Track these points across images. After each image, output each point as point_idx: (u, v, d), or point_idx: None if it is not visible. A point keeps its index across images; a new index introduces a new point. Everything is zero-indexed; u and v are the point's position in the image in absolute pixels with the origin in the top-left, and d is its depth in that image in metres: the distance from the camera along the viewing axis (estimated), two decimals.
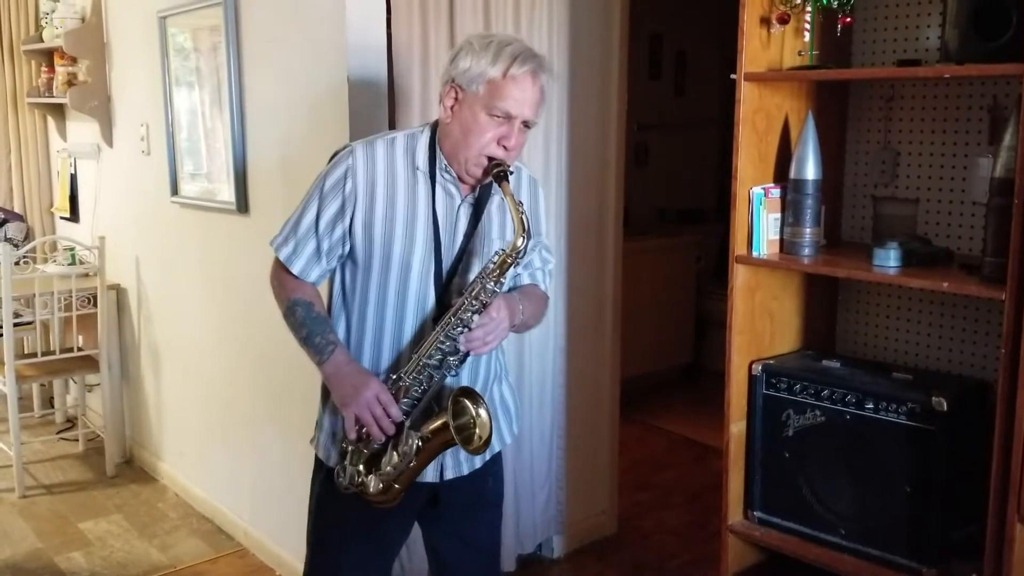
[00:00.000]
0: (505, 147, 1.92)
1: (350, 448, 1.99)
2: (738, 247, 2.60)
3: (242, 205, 3.42)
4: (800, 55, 2.62)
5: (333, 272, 2.06)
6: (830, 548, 2.54)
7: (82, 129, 4.74)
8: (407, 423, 1.95)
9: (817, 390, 2.54)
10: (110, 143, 4.50)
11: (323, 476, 2.11)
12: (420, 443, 1.92)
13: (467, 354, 1.95)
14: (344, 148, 2.03)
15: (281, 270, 2.07)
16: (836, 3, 2.52)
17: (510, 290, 2.10)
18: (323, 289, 2.11)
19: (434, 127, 2.03)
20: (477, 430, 1.95)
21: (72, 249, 4.64)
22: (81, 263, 4.61)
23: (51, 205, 5.28)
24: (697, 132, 6.55)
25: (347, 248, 2.01)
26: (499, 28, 3.14)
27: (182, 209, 3.91)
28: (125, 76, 4.34)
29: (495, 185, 1.99)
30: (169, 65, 3.85)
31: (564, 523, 3.64)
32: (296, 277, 2.03)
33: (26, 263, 4.60)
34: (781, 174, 2.64)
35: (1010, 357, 2.09)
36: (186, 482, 4.21)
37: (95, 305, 4.45)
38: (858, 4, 2.62)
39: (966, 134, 2.61)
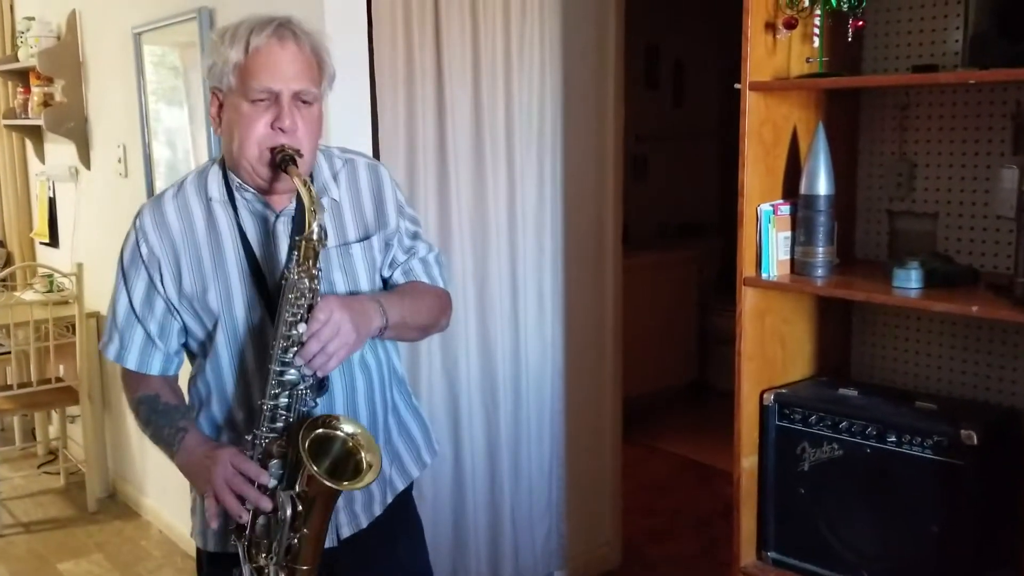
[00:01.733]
0: (282, 129, 1.65)
1: (240, 544, 1.67)
2: (746, 268, 2.42)
3: None
4: (808, 62, 2.45)
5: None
6: None
7: (59, 151, 4.59)
8: (280, 486, 1.63)
9: (834, 421, 2.36)
10: (88, 165, 4.35)
11: (206, 567, 1.86)
12: (296, 502, 1.60)
13: (317, 378, 1.63)
14: (136, 214, 1.79)
15: (123, 371, 1.83)
16: (846, 5, 2.35)
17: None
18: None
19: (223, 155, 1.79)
20: (363, 454, 1.65)
21: (50, 276, 4.47)
22: (59, 290, 4.45)
23: (31, 230, 5.12)
24: (697, 143, 6.41)
25: (180, 322, 1.77)
26: (487, 39, 2.99)
27: None
28: (102, 96, 4.18)
29: (329, 170, 1.80)
30: (145, 84, 3.70)
31: (566, 557, 3.48)
32: (137, 373, 1.79)
33: (3, 290, 4.44)
34: (790, 189, 2.47)
35: None
36: (171, 519, 4.03)
37: (74, 334, 4.28)
38: (868, 7, 2.45)
39: (988, 143, 2.43)
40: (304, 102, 1.69)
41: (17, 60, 4.61)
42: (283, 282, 1.61)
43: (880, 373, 2.67)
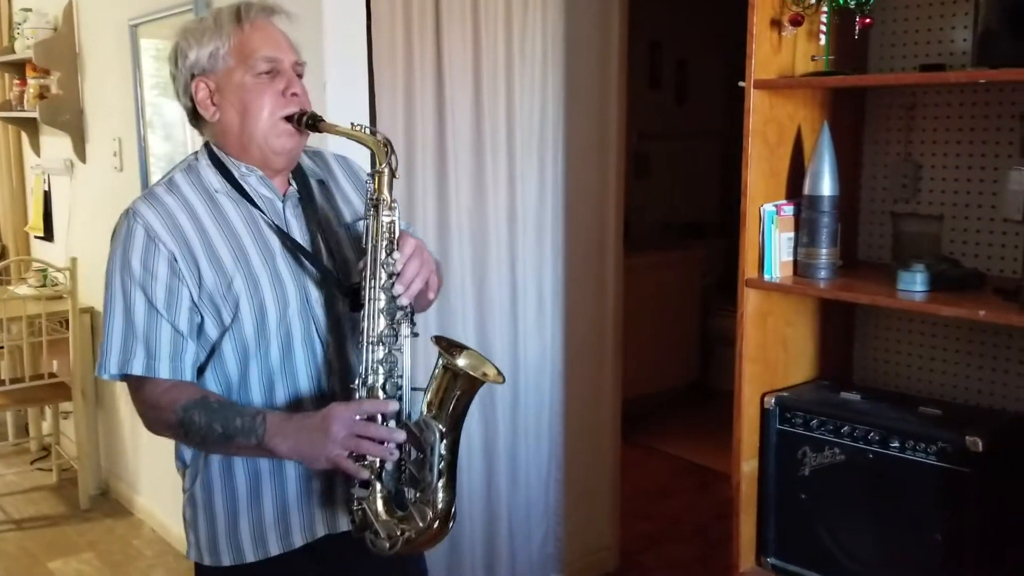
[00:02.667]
0: (295, 95, 1.67)
1: (363, 506, 1.62)
2: (748, 269, 2.38)
3: None
4: (814, 60, 2.40)
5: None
6: None
7: (55, 144, 4.54)
8: (405, 417, 1.63)
9: (836, 426, 2.32)
10: (83, 158, 4.30)
11: None
12: (434, 419, 1.59)
13: (411, 305, 1.64)
14: (123, 214, 1.67)
15: (147, 391, 1.64)
16: (854, 3, 2.31)
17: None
18: None
19: (206, 146, 1.74)
20: (485, 367, 1.65)
21: (44, 270, 4.43)
22: (53, 285, 4.40)
23: (26, 223, 5.07)
24: (699, 142, 6.36)
25: (207, 319, 1.65)
26: (489, 36, 2.96)
27: None
28: (98, 88, 4.14)
29: (305, 168, 1.79)
30: (141, 76, 3.66)
31: (563, 561, 3.43)
32: (166, 386, 1.63)
33: None
34: (794, 190, 2.43)
35: None
36: (163, 517, 3.99)
37: (68, 329, 4.24)
38: (876, 4, 2.40)
39: (996, 145, 2.39)
40: (299, 75, 1.72)
41: (13, 52, 4.56)
42: (366, 217, 1.63)
43: (883, 377, 2.63)
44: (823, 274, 2.34)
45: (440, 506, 1.62)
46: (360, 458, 1.58)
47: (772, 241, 2.38)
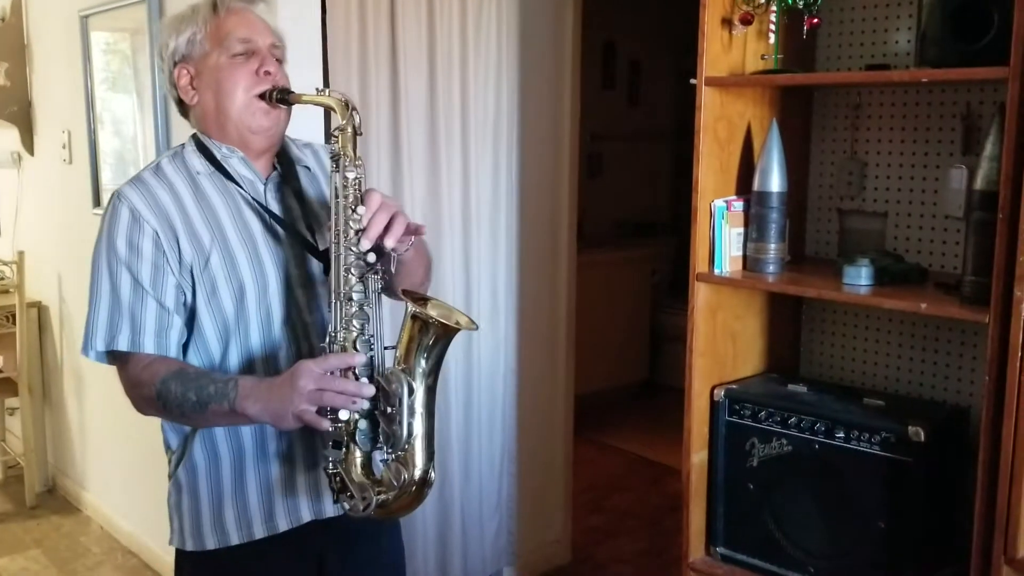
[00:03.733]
0: (268, 73, 1.70)
1: (338, 469, 1.61)
2: (699, 264, 2.41)
3: None
4: (764, 59, 2.45)
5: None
6: None
7: (2, 136, 4.46)
8: (377, 371, 1.61)
9: (784, 417, 2.36)
10: (31, 151, 4.24)
11: (191, 564, 1.79)
12: (404, 378, 1.56)
13: (381, 252, 1.61)
14: (111, 197, 1.71)
15: (131, 368, 1.66)
16: (802, 3, 2.36)
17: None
18: None
19: (193, 135, 1.78)
20: (456, 316, 1.64)
21: None
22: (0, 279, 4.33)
23: None
24: (651, 144, 6.43)
25: (188, 296, 1.67)
26: (444, 36, 2.97)
27: None
28: (47, 79, 4.09)
29: (291, 153, 1.82)
30: (91, 68, 3.62)
31: (515, 554, 3.45)
32: (147, 361, 1.64)
33: None
34: (744, 186, 2.47)
35: (995, 384, 1.93)
36: (111, 514, 3.94)
37: (14, 324, 4.18)
38: (823, 5, 2.46)
39: (938, 144, 2.45)
40: (276, 59, 1.74)
41: None
42: (331, 174, 1.63)
43: (829, 370, 2.69)
44: (771, 268, 2.39)
45: (416, 469, 1.60)
46: (333, 419, 1.57)
47: (723, 236, 2.42)
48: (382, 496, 1.60)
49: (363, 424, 1.61)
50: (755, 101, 2.49)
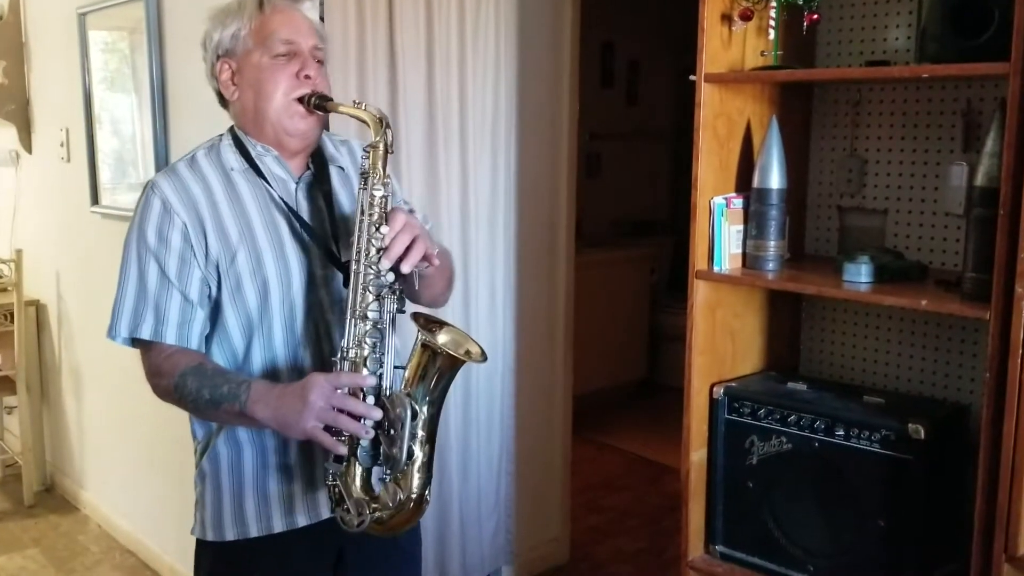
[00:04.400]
0: (308, 77, 1.71)
1: (337, 482, 1.63)
2: (698, 262, 2.41)
3: None
4: (763, 55, 2.45)
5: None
6: None
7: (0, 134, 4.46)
8: (384, 392, 1.62)
9: (783, 415, 2.36)
10: (29, 149, 4.24)
11: (211, 555, 1.80)
12: (413, 400, 1.57)
13: (400, 276, 1.62)
14: (144, 186, 1.74)
15: (153, 356, 1.70)
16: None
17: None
18: None
19: (231, 128, 1.81)
20: (468, 345, 1.66)
21: None
22: None
23: None
24: (649, 143, 6.42)
25: (216, 282, 1.71)
26: (442, 35, 2.96)
27: (103, 220, 3.66)
28: (45, 77, 4.08)
29: (326, 152, 1.82)
30: (89, 65, 3.61)
31: (514, 553, 3.44)
32: (169, 352, 1.68)
33: None
34: (744, 183, 2.47)
35: (995, 381, 1.92)
36: (109, 513, 3.94)
37: (12, 322, 4.17)
38: (823, 1, 2.45)
39: (938, 140, 2.45)
40: (318, 61, 1.74)
41: None
42: (359, 191, 1.65)
43: (828, 368, 2.68)
44: (771, 266, 2.38)
45: (413, 489, 1.62)
46: (337, 432, 1.58)
47: (722, 234, 2.41)
48: (378, 514, 1.62)
49: (365, 441, 1.62)
50: (755, 98, 2.48)
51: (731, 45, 2.40)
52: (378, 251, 1.61)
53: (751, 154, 2.48)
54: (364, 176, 1.66)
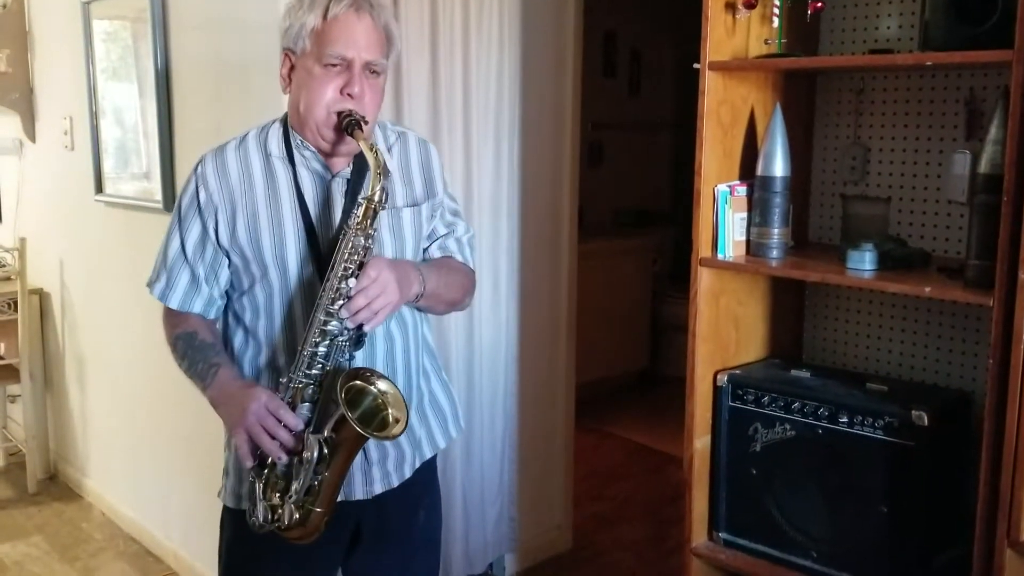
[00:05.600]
0: (351, 95, 1.71)
1: (258, 483, 1.73)
2: (702, 249, 2.41)
3: (170, 203, 3.18)
4: (767, 43, 2.45)
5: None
6: (801, 572, 2.36)
7: (3, 123, 4.45)
8: (308, 429, 1.69)
9: (787, 402, 2.37)
10: (32, 138, 4.23)
11: (231, 521, 1.89)
12: (323, 447, 1.65)
13: (359, 331, 1.69)
14: (199, 160, 1.85)
15: (165, 310, 1.89)
16: None
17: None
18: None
19: (285, 118, 1.84)
20: (390, 410, 1.70)
21: None
22: (1, 266, 4.33)
23: None
24: (652, 132, 6.41)
25: (227, 266, 1.82)
26: (446, 23, 2.95)
27: (108, 208, 3.66)
28: (49, 66, 4.08)
29: (383, 140, 1.84)
30: (93, 53, 3.61)
31: (516, 540, 3.45)
32: (178, 312, 1.85)
33: None
34: (747, 171, 2.47)
35: (999, 368, 1.93)
36: (113, 500, 3.95)
37: (16, 311, 4.17)
38: None
39: (941, 128, 2.45)
40: (372, 72, 1.74)
41: None
42: (340, 236, 1.69)
43: (832, 356, 2.69)
44: (775, 253, 2.39)
45: (311, 517, 1.70)
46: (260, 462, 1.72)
47: (725, 221, 2.42)
48: (278, 523, 1.71)
49: (284, 457, 1.70)
50: (758, 86, 2.49)
51: (735, 33, 2.40)
52: (342, 298, 1.65)
53: (755, 142, 2.48)
54: (353, 226, 1.67)
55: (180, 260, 1.83)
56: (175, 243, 1.83)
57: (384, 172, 1.68)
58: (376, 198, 1.67)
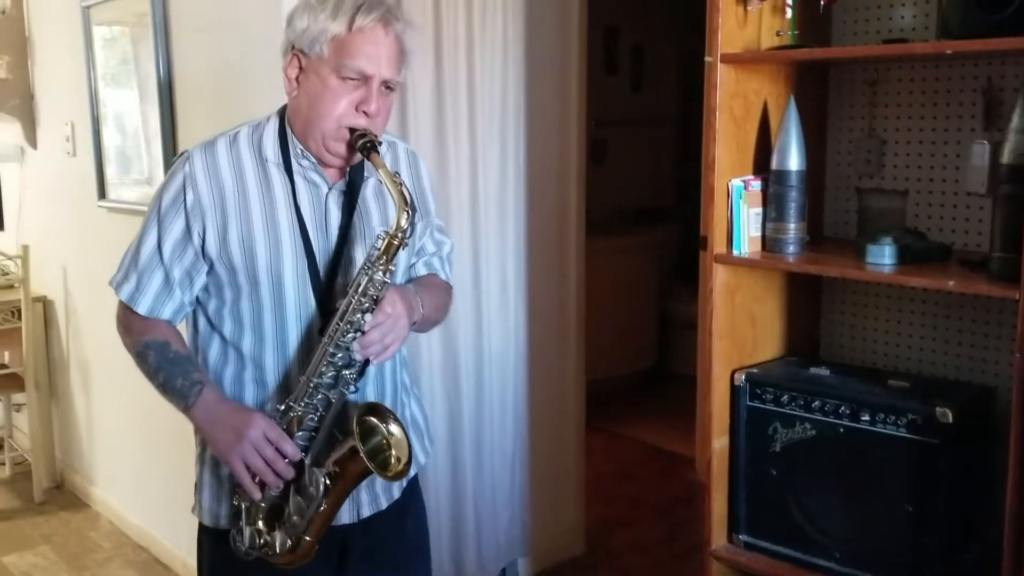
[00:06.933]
0: (366, 113, 1.64)
1: (244, 505, 1.68)
2: (717, 245, 2.37)
3: None
4: (779, 35, 2.41)
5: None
6: (824, 574, 2.31)
7: (5, 130, 4.42)
8: (307, 460, 1.65)
9: (807, 401, 2.32)
10: (34, 144, 4.20)
11: (211, 544, 1.81)
12: (327, 481, 1.61)
13: (365, 364, 1.66)
14: (180, 155, 1.74)
15: (127, 312, 1.75)
16: None
17: (407, 282, 1.84)
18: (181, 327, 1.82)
19: (281, 112, 1.75)
20: (393, 451, 1.67)
21: None
22: (4, 274, 4.29)
23: None
24: (655, 128, 6.37)
25: (205, 272, 1.72)
26: (450, 20, 2.91)
27: (110, 214, 3.63)
28: (49, 72, 4.05)
29: (367, 164, 1.73)
30: (94, 59, 3.57)
31: (529, 544, 3.42)
32: (145, 318, 1.73)
33: None
34: (761, 165, 2.43)
35: None
36: (120, 508, 3.91)
37: (19, 319, 4.14)
38: None
39: (958, 119, 2.40)
40: (388, 88, 1.69)
41: None
42: (364, 272, 1.62)
43: (850, 352, 2.64)
44: (792, 249, 2.35)
45: (301, 544, 1.66)
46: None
47: (740, 216, 2.38)
48: (265, 550, 1.68)
49: (281, 485, 1.67)
50: (771, 78, 2.44)
51: (747, 25, 2.36)
52: (356, 331, 1.62)
53: (768, 136, 2.44)
54: (371, 264, 1.63)
55: (154, 261, 1.70)
56: (150, 242, 1.71)
57: (412, 208, 1.61)
58: (400, 236, 1.62)
